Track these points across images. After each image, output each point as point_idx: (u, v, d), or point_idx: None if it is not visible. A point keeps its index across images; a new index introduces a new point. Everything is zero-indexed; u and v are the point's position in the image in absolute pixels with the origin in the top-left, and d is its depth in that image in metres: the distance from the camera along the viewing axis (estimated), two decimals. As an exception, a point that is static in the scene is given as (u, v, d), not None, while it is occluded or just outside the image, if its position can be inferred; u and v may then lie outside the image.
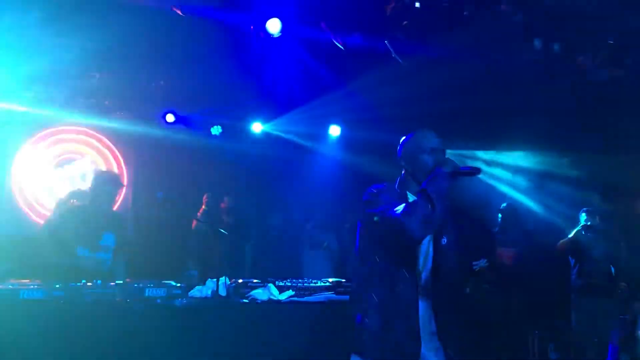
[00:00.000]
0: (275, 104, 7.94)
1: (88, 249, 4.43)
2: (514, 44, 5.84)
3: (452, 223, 2.82)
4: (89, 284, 3.88)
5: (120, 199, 4.81)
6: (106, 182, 4.65)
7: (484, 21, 5.47)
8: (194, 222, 6.43)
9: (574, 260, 5.87)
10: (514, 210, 6.67)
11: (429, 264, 2.73)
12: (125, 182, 4.94)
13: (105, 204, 4.64)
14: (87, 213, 4.59)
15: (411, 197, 2.74)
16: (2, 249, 6.74)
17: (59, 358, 3.51)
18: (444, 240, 2.76)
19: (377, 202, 2.69)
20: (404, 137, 2.90)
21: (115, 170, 7.81)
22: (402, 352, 2.58)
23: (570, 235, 5.94)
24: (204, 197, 6.42)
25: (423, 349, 2.61)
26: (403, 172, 2.86)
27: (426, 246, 2.74)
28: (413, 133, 2.87)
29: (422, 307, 2.66)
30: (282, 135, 8.48)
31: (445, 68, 6.08)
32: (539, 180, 7.68)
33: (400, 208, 2.53)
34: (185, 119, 7.83)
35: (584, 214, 5.88)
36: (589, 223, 5.84)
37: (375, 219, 2.64)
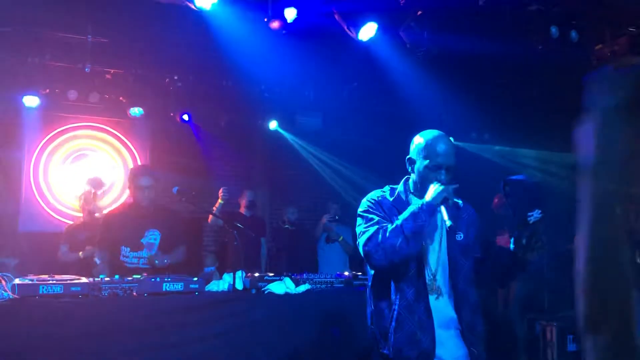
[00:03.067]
0: (290, 99, 7.93)
1: (129, 248, 4.45)
2: (530, 34, 5.77)
3: (466, 220, 2.77)
4: (107, 278, 3.90)
5: (156, 192, 4.69)
6: (140, 177, 4.60)
7: (499, 10, 5.41)
8: (210, 217, 6.44)
9: None
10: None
11: (445, 262, 2.68)
12: (160, 174, 4.86)
13: (144, 200, 4.57)
14: (128, 213, 4.60)
15: (413, 202, 2.67)
16: (21, 245, 6.82)
17: (77, 352, 3.53)
18: (460, 236, 2.71)
19: (363, 218, 2.67)
20: (419, 135, 2.77)
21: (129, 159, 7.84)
22: (416, 347, 2.56)
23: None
24: (220, 191, 6.42)
25: (442, 349, 2.57)
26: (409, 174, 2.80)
27: (437, 245, 2.69)
28: (426, 136, 2.73)
29: (441, 305, 2.63)
30: (296, 130, 8.47)
31: (461, 58, 6.03)
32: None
33: (366, 235, 2.56)
34: (199, 115, 7.83)
35: None
36: None
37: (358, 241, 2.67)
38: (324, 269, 6.98)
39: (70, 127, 7.83)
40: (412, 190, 2.76)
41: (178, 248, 4.70)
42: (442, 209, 2.56)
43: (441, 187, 2.57)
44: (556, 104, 7.05)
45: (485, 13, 5.33)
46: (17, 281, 3.62)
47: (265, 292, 4.36)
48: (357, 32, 5.32)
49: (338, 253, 7.30)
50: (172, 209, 5.26)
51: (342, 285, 4.79)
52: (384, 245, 2.49)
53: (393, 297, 2.62)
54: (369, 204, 2.71)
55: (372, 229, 2.57)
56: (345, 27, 5.32)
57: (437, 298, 2.62)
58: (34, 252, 6.52)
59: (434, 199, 2.55)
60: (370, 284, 2.77)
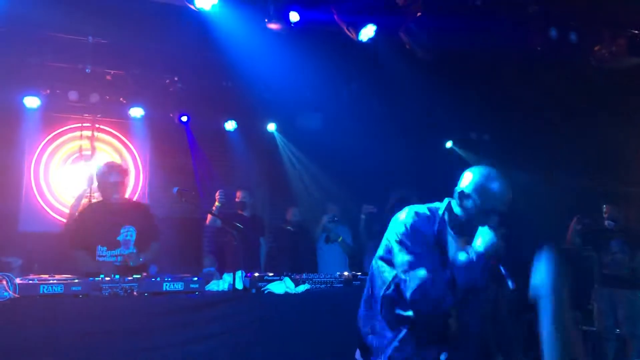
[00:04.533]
0: (287, 100, 7.95)
1: (105, 247, 4.39)
2: (527, 34, 5.79)
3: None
4: (107, 278, 3.91)
5: (129, 187, 4.64)
6: (107, 173, 4.54)
7: (496, 11, 5.43)
8: (209, 217, 6.45)
9: (595, 252, 5.83)
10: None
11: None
12: (127, 169, 4.76)
13: (115, 195, 4.51)
14: (101, 211, 4.54)
15: (450, 237, 2.54)
16: (22, 245, 6.84)
17: (78, 351, 3.54)
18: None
19: (405, 248, 2.45)
20: (477, 170, 2.56)
21: (121, 160, 7.83)
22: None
23: (593, 227, 5.89)
24: (217, 194, 6.44)
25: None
26: (453, 201, 2.58)
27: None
28: (485, 175, 2.51)
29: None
30: (296, 131, 8.49)
31: (461, 59, 6.05)
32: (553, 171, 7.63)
33: (414, 283, 2.35)
34: (199, 116, 7.84)
35: (604, 206, 5.83)
36: (607, 215, 5.80)
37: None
38: (323, 269, 6.99)
39: (70, 128, 7.84)
40: (453, 220, 2.56)
41: (152, 245, 4.65)
42: (501, 269, 2.43)
43: (494, 236, 2.41)
44: (555, 104, 7.08)
45: (484, 14, 5.35)
46: (18, 281, 3.63)
47: (265, 292, 4.37)
48: (357, 33, 5.33)
49: (337, 253, 7.31)
50: (144, 204, 5.22)
51: (342, 285, 4.80)
52: (433, 296, 2.35)
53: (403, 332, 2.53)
54: (412, 231, 2.48)
55: (419, 272, 2.37)
56: (345, 28, 5.34)
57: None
58: (35, 252, 6.54)
59: (486, 249, 2.39)
60: (378, 310, 2.61)
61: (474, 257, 2.38)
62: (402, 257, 2.44)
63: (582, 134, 7.34)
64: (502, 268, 2.43)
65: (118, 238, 4.45)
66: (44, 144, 7.70)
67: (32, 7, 5.39)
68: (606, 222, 5.75)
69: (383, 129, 8.25)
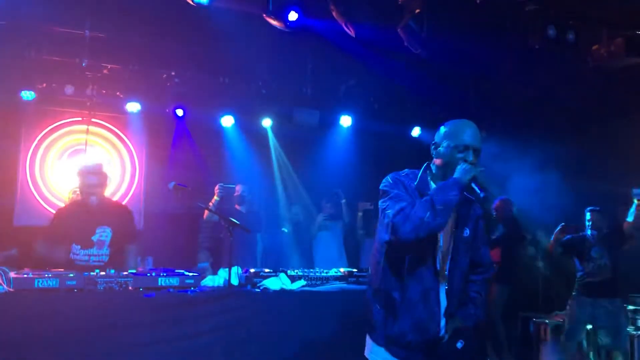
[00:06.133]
0: (286, 96, 7.94)
1: (79, 246, 4.37)
2: (526, 32, 5.79)
3: (473, 218, 2.80)
4: (102, 273, 3.91)
5: (105, 189, 4.61)
6: (86, 176, 4.53)
7: (495, 9, 5.43)
8: (206, 212, 6.45)
9: (577, 260, 5.84)
10: (508, 205, 6.80)
11: (448, 254, 2.73)
12: (107, 172, 4.74)
13: (92, 197, 4.49)
14: (78, 210, 4.54)
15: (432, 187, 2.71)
16: (18, 239, 6.82)
17: (73, 345, 3.54)
18: (466, 232, 2.74)
19: (389, 193, 2.67)
20: (445, 123, 2.80)
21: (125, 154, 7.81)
22: (422, 334, 2.63)
23: (574, 235, 5.88)
24: (216, 187, 6.43)
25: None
26: (432, 160, 2.79)
27: (449, 236, 2.73)
28: (454, 121, 2.76)
29: (445, 294, 2.71)
30: (294, 127, 8.47)
31: (459, 57, 6.05)
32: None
33: (394, 208, 2.57)
34: (196, 110, 7.82)
35: (588, 214, 5.82)
36: (590, 223, 5.77)
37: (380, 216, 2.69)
38: (319, 261, 7.03)
39: (66, 122, 7.81)
40: (433, 176, 2.76)
41: (128, 247, 4.64)
42: (473, 185, 2.58)
43: (469, 166, 2.59)
44: (552, 103, 7.09)
45: (483, 12, 5.35)
46: (12, 275, 3.62)
47: (261, 287, 4.37)
48: (355, 29, 5.33)
49: (334, 249, 7.34)
50: (124, 206, 5.22)
51: (338, 281, 4.81)
52: (412, 217, 2.50)
53: (406, 281, 2.65)
54: (394, 181, 2.72)
55: (401, 203, 2.58)
56: (344, 25, 5.33)
57: (446, 287, 2.70)
58: (30, 246, 6.52)
59: (462, 175, 2.57)
60: (381, 261, 2.75)
61: (450, 180, 2.58)
62: (385, 202, 2.66)
63: (580, 134, 7.35)
64: (473, 184, 2.57)
65: (92, 238, 4.41)
66: (40, 138, 7.66)
67: (28, 1, 5.37)
68: (589, 231, 5.72)
69: (381, 125, 8.27)
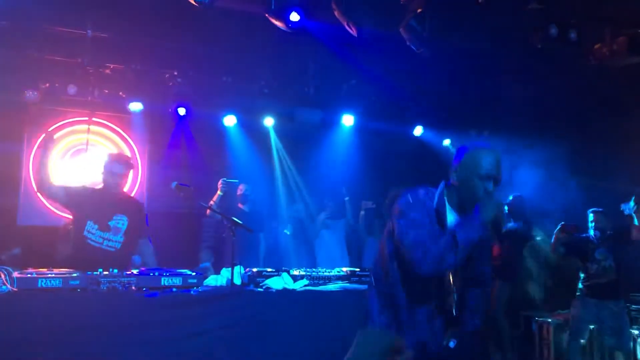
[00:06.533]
0: (287, 96, 7.95)
1: (97, 226, 4.39)
2: (528, 32, 5.78)
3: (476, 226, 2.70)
4: (106, 272, 3.92)
5: (128, 181, 4.70)
6: (113, 163, 4.57)
7: (497, 8, 5.42)
8: (208, 211, 6.46)
9: (580, 261, 5.83)
10: (521, 202, 6.76)
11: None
12: (134, 163, 4.81)
13: (114, 186, 4.55)
14: (99, 194, 4.56)
15: (449, 212, 2.65)
16: (21, 238, 6.85)
17: (76, 344, 3.55)
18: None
19: (407, 215, 2.58)
20: (464, 147, 2.70)
21: (128, 154, 7.83)
22: (424, 348, 2.64)
23: (577, 236, 5.87)
24: (219, 182, 6.44)
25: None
26: (450, 181, 2.69)
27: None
28: (476, 147, 2.65)
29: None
30: (296, 126, 8.48)
31: (461, 56, 6.05)
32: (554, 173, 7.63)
33: (412, 239, 2.50)
34: (198, 110, 7.84)
35: (591, 215, 5.81)
36: (593, 224, 5.76)
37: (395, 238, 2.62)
38: (321, 260, 7.04)
39: (69, 122, 7.83)
40: (449, 197, 2.68)
41: (140, 241, 4.71)
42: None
43: (493, 205, 2.52)
44: (554, 102, 7.08)
45: (484, 12, 5.34)
46: (16, 274, 3.64)
47: (263, 287, 4.38)
48: (357, 29, 5.32)
49: (336, 249, 7.35)
50: (141, 202, 5.29)
51: (340, 280, 4.82)
52: (434, 255, 2.45)
53: (413, 298, 2.65)
54: (414, 201, 2.63)
55: (420, 232, 2.51)
56: (346, 24, 5.33)
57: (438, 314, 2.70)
58: (33, 246, 6.55)
59: (486, 215, 2.49)
60: (388, 270, 2.72)
61: (475, 220, 2.49)
62: (404, 227, 2.57)
63: (583, 133, 7.35)
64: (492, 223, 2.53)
65: (109, 223, 4.45)
66: (43, 138, 7.66)
67: (31, 1, 5.38)
68: (593, 232, 5.71)
69: (383, 124, 8.27)
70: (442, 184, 2.71)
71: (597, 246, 5.67)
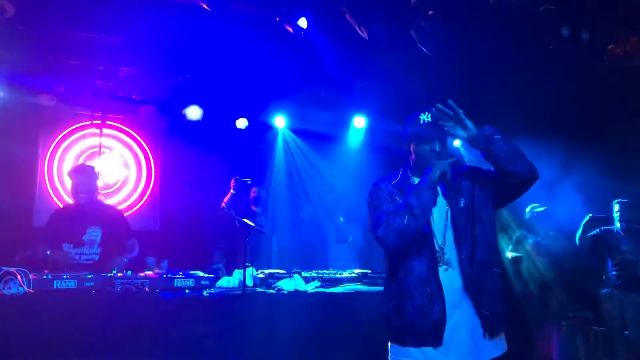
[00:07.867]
0: (298, 98, 7.96)
1: (71, 245, 4.45)
2: (541, 33, 5.76)
3: (468, 184, 2.80)
4: (119, 274, 3.96)
5: (96, 190, 4.74)
6: (77, 175, 4.63)
7: (509, 9, 5.40)
8: (223, 203, 6.49)
9: (606, 252, 5.79)
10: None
11: (450, 232, 2.71)
12: (97, 171, 4.83)
13: (83, 198, 4.58)
14: (69, 212, 4.65)
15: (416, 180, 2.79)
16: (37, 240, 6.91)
17: (90, 345, 3.59)
18: (462, 202, 2.75)
19: (370, 203, 2.81)
20: (408, 120, 2.89)
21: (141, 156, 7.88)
22: (428, 319, 2.60)
23: (603, 228, 5.84)
24: (232, 181, 6.47)
25: (453, 319, 2.62)
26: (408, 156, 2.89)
27: (443, 217, 2.72)
28: (413, 117, 2.86)
29: (451, 276, 2.66)
30: (308, 128, 8.50)
31: (472, 58, 6.03)
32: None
33: (375, 222, 2.66)
34: (211, 112, 7.88)
35: (616, 205, 5.77)
36: (618, 215, 5.74)
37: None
38: (334, 266, 7.03)
39: (84, 125, 7.92)
40: (413, 171, 2.86)
41: (128, 242, 4.75)
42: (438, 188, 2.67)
43: (437, 162, 2.67)
44: (568, 103, 7.02)
45: (496, 12, 5.32)
46: (32, 276, 3.69)
47: (275, 289, 4.40)
48: (368, 31, 5.33)
49: (348, 252, 7.34)
50: (114, 207, 5.31)
51: (352, 282, 4.83)
52: (392, 227, 2.58)
53: (403, 273, 2.70)
54: (371, 192, 2.84)
55: (381, 211, 2.68)
56: (357, 27, 5.34)
57: (446, 270, 2.66)
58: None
59: (431, 174, 2.64)
60: (386, 267, 2.86)
61: (421, 182, 2.66)
62: (370, 217, 2.77)
63: (598, 133, 7.28)
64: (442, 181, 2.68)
65: (83, 237, 4.50)
66: (58, 140, 7.78)
67: (46, 6, 5.45)
68: (618, 224, 5.68)
69: (394, 126, 8.24)
70: (405, 162, 2.91)
71: (623, 237, 5.64)
